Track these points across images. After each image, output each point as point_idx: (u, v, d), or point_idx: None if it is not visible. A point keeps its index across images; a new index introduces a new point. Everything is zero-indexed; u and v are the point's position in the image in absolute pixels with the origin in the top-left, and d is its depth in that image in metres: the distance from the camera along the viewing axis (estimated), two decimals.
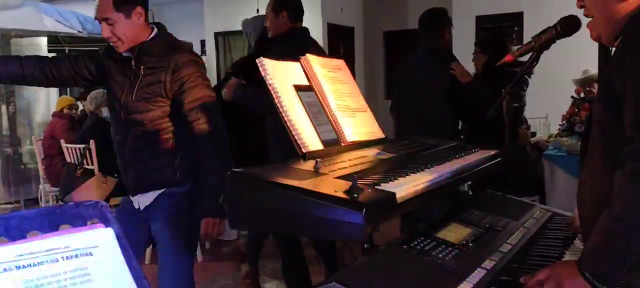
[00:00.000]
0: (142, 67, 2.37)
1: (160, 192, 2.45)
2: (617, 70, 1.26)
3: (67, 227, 0.90)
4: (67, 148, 5.21)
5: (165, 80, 2.35)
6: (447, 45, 3.65)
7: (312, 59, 2.02)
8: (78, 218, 0.93)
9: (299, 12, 3.34)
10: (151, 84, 2.36)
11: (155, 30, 2.47)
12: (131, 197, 2.55)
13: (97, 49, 8.25)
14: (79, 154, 5.04)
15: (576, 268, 1.27)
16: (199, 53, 10.62)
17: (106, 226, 0.95)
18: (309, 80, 1.97)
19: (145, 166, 2.43)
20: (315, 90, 1.96)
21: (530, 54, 1.70)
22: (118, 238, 0.94)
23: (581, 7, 1.46)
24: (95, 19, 2.42)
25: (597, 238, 1.25)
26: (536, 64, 1.71)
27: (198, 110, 2.32)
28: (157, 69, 2.36)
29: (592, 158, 1.40)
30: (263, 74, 1.81)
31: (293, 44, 3.13)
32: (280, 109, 1.75)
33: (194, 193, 2.45)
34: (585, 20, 1.52)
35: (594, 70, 4.81)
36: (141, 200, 2.50)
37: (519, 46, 1.72)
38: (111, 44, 2.40)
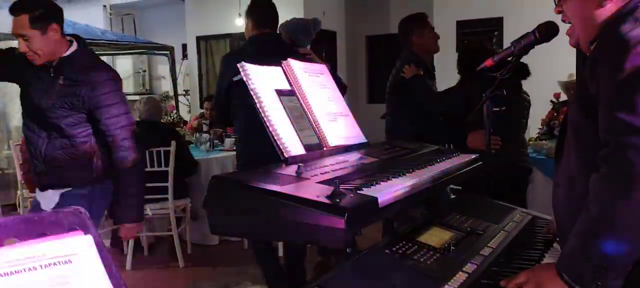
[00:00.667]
0: (61, 77, 2.51)
1: (64, 191, 2.58)
2: (592, 74, 1.29)
3: (46, 234, 0.89)
4: None
5: (83, 95, 2.50)
6: (418, 50, 3.68)
7: (294, 63, 2.02)
8: (57, 225, 0.92)
9: (264, 20, 3.42)
10: (69, 95, 2.50)
11: (75, 44, 2.60)
12: (38, 197, 2.66)
13: None
14: None
15: (554, 270, 1.29)
16: (181, 57, 10.59)
17: (85, 233, 0.94)
18: (291, 84, 1.97)
19: (60, 166, 2.56)
20: (298, 94, 1.96)
21: (510, 58, 1.72)
22: (97, 245, 0.93)
23: (559, 12, 1.49)
24: (12, 34, 2.53)
25: (575, 241, 1.27)
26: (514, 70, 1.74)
27: (115, 127, 2.53)
28: (77, 83, 2.50)
29: (567, 161, 1.42)
30: (245, 78, 1.81)
31: (252, 50, 3.30)
32: (263, 113, 1.75)
33: (92, 196, 2.60)
34: (563, 26, 1.54)
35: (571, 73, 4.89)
36: (48, 200, 2.60)
37: (499, 51, 1.75)
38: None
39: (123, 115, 2.56)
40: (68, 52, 2.56)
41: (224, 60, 3.50)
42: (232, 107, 3.33)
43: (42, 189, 2.64)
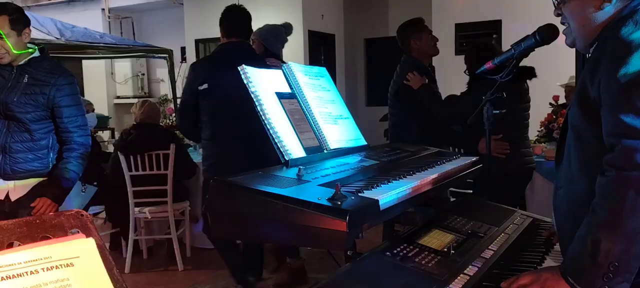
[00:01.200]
0: (26, 76, 2.78)
1: (37, 182, 2.82)
2: (592, 77, 1.29)
3: (47, 237, 0.89)
4: None
5: (48, 94, 2.78)
6: (417, 54, 3.69)
7: (294, 66, 2.02)
8: (59, 228, 0.92)
9: (231, 29, 3.56)
10: (35, 93, 2.77)
11: (37, 49, 2.89)
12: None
13: (76, 55, 8.16)
14: None
15: (559, 273, 1.29)
16: (180, 60, 10.57)
17: (87, 236, 0.94)
18: (291, 87, 1.97)
19: (20, 157, 2.78)
20: (298, 97, 1.96)
21: (510, 61, 1.72)
22: (99, 248, 0.92)
23: (558, 15, 1.49)
24: None
25: (581, 244, 1.27)
26: (515, 72, 1.74)
27: (73, 125, 2.84)
28: (43, 83, 2.78)
29: (568, 164, 1.43)
30: (245, 82, 1.81)
31: (219, 57, 3.50)
32: (263, 117, 1.75)
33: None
34: (562, 29, 1.54)
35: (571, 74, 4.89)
36: (15, 190, 2.81)
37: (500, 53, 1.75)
38: None
39: (80, 116, 2.89)
40: (34, 55, 2.84)
41: (192, 68, 3.62)
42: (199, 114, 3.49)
43: (5, 179, 2.82)
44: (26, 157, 2.78)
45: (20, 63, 2.80)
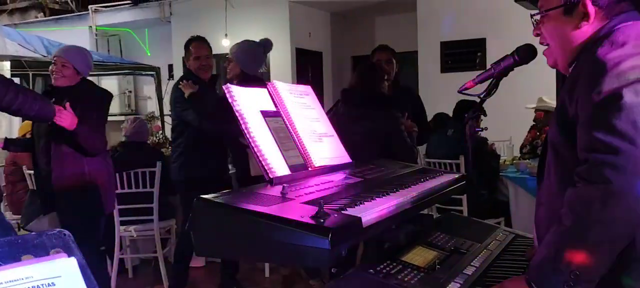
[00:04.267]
0: None
1: None
2: (570, 95, 1.32)
3: (29, 257, 0.89)
4: (30, 174, 5.09)
5: None
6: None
7: (279, 85, 2.04)
8: (40, 248, 0.92)
9: None
10: None
11: None
12: None
13: None
14: None
15: (524, 281, 1.32)
16: (167, 77, 10.56)
17: (69, 255, 0.94)
18: (276, 105, 1.99)
19: None
20: (283, 115, 1.98)
21: (490, 80, 1.75)
22: (81, 267, 0.93)
23: (538, 35, 1.53)
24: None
25: (545, 251, 1.31)
26: (495, 91, 1.77)
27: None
28: None
29: (548, 181, 1.46)
30: (230, 101, 1.82)
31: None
32: (248, 135, 1.76)
33: None
34: (542, 48, 1.58)
35: (550, 95, 4.97)
36: None
37: (478, 73, 1.78)
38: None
39: None
40: None
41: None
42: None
43: None
44: None
45: None
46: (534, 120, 5.36)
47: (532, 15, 1.52)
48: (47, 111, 3.07)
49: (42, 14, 11.29)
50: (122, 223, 4.51)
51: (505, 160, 5.22)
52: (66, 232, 1.02)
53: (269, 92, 2.02)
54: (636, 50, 1.25)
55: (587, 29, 1.40)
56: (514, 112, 6.22)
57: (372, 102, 3.42)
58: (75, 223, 3.11)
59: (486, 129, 2.01)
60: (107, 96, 3.71)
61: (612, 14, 1.37)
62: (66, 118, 3.14)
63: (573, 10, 1.40)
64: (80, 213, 3.39)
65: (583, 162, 1.25)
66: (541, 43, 1.53)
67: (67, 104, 3.16)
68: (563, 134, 1.37)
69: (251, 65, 4.04)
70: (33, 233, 0.94)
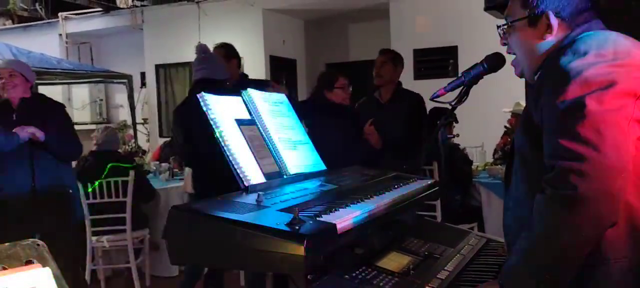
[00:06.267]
0: None
1: None
2: (536, 104, 1.36)
3: (3, 268, 0.88)
4: None
5: None
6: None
7: (253, 93, 2.05)
8: (14, 258, 0.92)
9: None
10: None
11: None
12: None
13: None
14: None
15: (498, 286, 1.36)
16: (139, 85, 10.43)
17: (43, 266, 0.94)
18: (250, 114, 2.00)
19: None
20: (257, 123, 1.99)
21: (461, 88, 1.79)
22: (56, 277, 0.92)
23: (505, 44, 1.57)
24: None
25: (516, 257, 1.35)
26: (466, 98, 1.81)
27: None
28: None
29: (515, 187, 1.50)
30: (204, 109, 1.82)
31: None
32: (222, 143, 1.77)
33: None
34: (511, 57, 1.62)
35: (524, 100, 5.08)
36: None
37: (451, 80, 1.81)
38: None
39: None
40: None
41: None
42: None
43: None
44: None
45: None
46: (505, 126, 5.46)
47: (498, 26, 1.56)
48: (11, 141, 3.20)
49: (10, 21, 11.07)
50: (94, 233, 4.45)
51: (477, 166, 5.30)
52: (40, 242, 1.02)
53: (243, 100, 2.03)
54: (598, 59, 1.29)
55: (551, 39, 1.44)
56: (486, 118, 6.32)
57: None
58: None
59: (458, 135, 2.05)
60: (62, 106, 3.80)
61: (575, 24, 1.42)
62: (32, 131, 3.25)
63: (537, 22, 1.44)
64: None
65: (549, 169, 1.29)
66: (508, 53, 1.57)
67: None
68: (529, 140, 1.41)
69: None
70: (7, 244, 0.93)
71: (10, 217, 3.42)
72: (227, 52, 3.92)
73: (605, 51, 1.30)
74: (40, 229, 3.33)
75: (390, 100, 4.08)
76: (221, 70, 3.58)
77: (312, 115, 3.62)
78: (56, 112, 3.61)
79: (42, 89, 9.73)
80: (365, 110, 4.09)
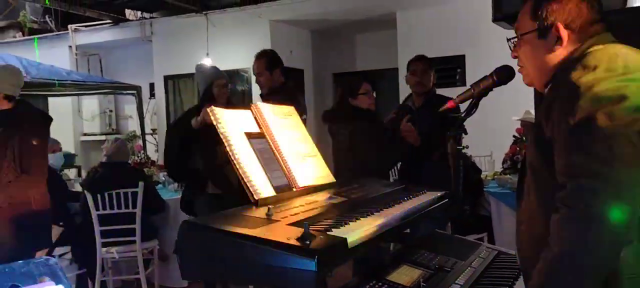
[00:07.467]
0: None
1: None
2: (546, 117, 1.35)
3: (17, 286, 0.89)
4: None
5: None
6: None
7: (262, 106, 2.05)
8: (28, 276, 0.92)
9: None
10: None
11: None
12: None
13: (41, 93, 8.04)
14: None
15: None
16: (148, 96, 10.47)
17: (56, 283, 0.94)
18: (260, 127, 2.00)
19: None
20: (267, 137, 1.99)
21: (470, 100, 1.79)
22: None
23: (515, 57, 1.56)
24: None
25: (537, 279, 1.32)
26: (475, 111, 1.80)
27: None
28: None
29: (528, 200, 1.49)
30: (214, 122, 1.83)
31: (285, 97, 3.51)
32: (232, 157, 1.77)
33: None
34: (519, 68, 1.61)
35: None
36: None
37: (460, 93, 1.81)
38: None
39: None
40: None
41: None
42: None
43: None
44: None
45: None
46: (514, 135, 5.42)
47: (508, 39, 1.56)
48: None
49: (20, 33, 11.17)
50: (104, 244, 4.46)
51: (486, 176, 5.26)
52: (51, 258, 1.02)
53: (252, 113, 2.03)
54: (608, 74, 1.28)
55: (561, 52, 1.43)
56: (494, 127, 6.29)
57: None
58: None
59: (467, 147, 2.05)
60: (47, 119, 3.70)
61: (585, 36, 1.41)
62: None
63: (547, 34, 1.44)
64: None
65: (562, 187, 1.27)
66: (519, 65, 1.57)
67: None
68: (540, 154, 1.40)
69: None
70: (20, 261, 0.94)
71: None
72: (269, 63, 4.07)
73: (615, 65, 1.30)
74: None
75: (423, 106, 4.06)
76: None
77: (338, 123, 3.64)
78: (33, 129, 3.48)
79: (52, 100, 9.85)
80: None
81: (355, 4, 8.06)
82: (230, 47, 8.44)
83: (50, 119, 3.76)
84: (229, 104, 3.83)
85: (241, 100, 8.27)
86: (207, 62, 8.00)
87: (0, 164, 3.29)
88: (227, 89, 4.07)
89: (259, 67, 4.11)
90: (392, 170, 4.86)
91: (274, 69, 4.07)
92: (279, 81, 4.10)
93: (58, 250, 4.72)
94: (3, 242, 3.32)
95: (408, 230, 2.02)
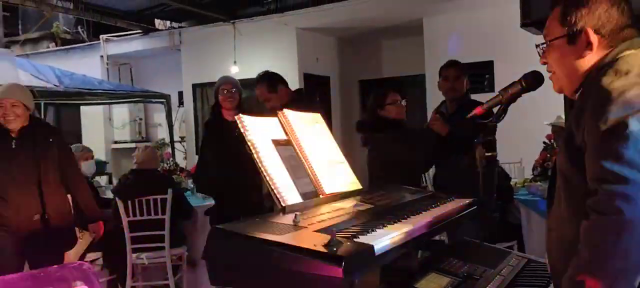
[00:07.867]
0: None
1: None
2: (577, 123, 1.34)
3: None
4: None
5: None
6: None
7: (289, 114, 2.07)
8: (62, 281, 0.94)
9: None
10: None
11: None
12: None
13: (74, 102, 8.23)
14: None
15: None
16: (177, 104, 10.62)
17: (90, 287, 0.96)
18: (286, 134, 2.02)
19: None
20: (294, 144, 2.00)
21: (498, 106, 1.77)
22: None
23: (544, 63, 1.55)
24: None
25: (568, 285, 1.30)
26: (504, 116, 1.79)
27: None
28: None
29: (558, 207, 1.46)
30: (242, 130, 1.85)
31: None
32: (260, 164, 1.79)
33: None
34: (548, 74, 1.59)
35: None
36: None
37: (488, 99, 1.80)
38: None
39: None
40: None
41: None
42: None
43: None
44: None
45: None
46: (544, 141, 5.34)
47: (537, 45, 1.54)
48: None
49: (53, 44, 11.47)
50: (134, 250, 4.53)
51: (516, 183, 5.19)
52: (86, 263, 1.05)
53: (279, 120, 2.05)
54: None
55: (591, 58, 1.41)
56: (524, 134, 6.20)
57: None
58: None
59: (496, 153, 2.02)
60: (58, 131, 3.92)
61: (616, 41, 1.39)
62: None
63: (576, 39, 1.42)
64: None
65: (593, 193, 1.26)
66: (548, 71, 1.55)
67: None
68: (571, 161, 1.38)
69: None
70: (55, 266, 0.96)
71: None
72: (270, 86, 3.98)
73: None
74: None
75: (456, 112, 4.03)
76: None
77: (369, 133, 3.64)
78: (55, 139, 3.56)
79: (84, 109, 10.07)
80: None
81: (381, 11, 8.05)
82: (257, 55, 8.51)
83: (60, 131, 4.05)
84: (241, 109, 3.84)
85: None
86: (234, 70, 8.10)
87: (46, 179, 3.43)
88: (236, 94, 4.09)
89: (263, 93, 4.03)
90: (424, 176, 4.83)
91: (277, 88, 4.00)
92: (289, 94, 4.05)
93: (89, 256, 4.80)
94: (37, 246, 3.42)
95: (437, 238, 2.00)
